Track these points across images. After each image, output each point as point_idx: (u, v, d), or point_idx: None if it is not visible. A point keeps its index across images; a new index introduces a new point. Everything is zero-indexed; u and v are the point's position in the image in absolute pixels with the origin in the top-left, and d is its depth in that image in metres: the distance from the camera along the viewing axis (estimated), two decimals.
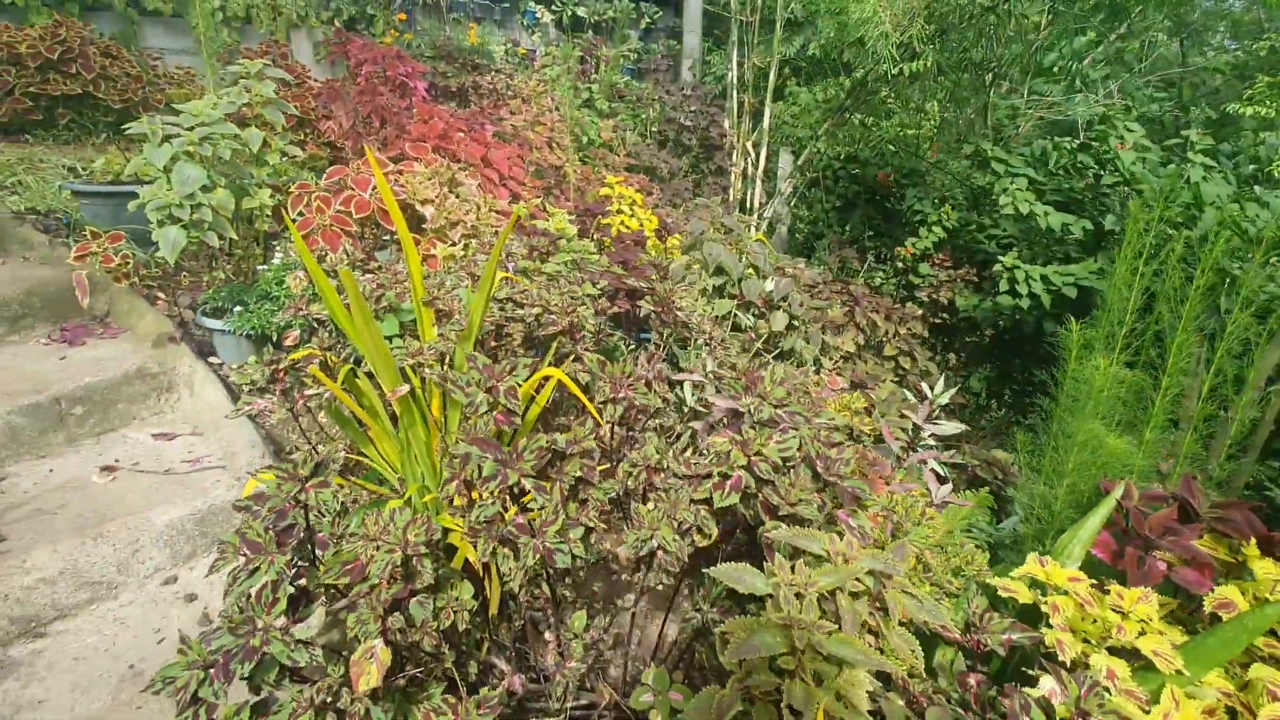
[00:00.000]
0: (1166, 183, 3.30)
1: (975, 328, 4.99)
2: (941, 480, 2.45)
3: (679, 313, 2.26)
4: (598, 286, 2.30)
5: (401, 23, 6.04)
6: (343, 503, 1.45)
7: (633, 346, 2.74)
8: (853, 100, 5.38)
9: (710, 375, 1.93)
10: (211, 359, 2.87)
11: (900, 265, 5.45)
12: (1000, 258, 3.99)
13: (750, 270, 3.25)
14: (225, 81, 3.09)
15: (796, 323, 3.02)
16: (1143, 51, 6.28)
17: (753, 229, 5.75)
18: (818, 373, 3.15)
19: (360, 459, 1.99)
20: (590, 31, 7.14)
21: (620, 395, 1.60)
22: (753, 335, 3.20)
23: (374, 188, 2.77)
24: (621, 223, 4.20)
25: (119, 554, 2.09)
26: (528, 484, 1.32)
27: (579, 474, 1.42)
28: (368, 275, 2.22)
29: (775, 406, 1.60)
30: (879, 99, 6.02)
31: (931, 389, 3.22)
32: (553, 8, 6.96)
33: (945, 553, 1.72)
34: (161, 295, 3.09)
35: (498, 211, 3.09)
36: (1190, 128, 4.55)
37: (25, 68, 4.55)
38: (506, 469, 1.33)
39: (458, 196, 3.00)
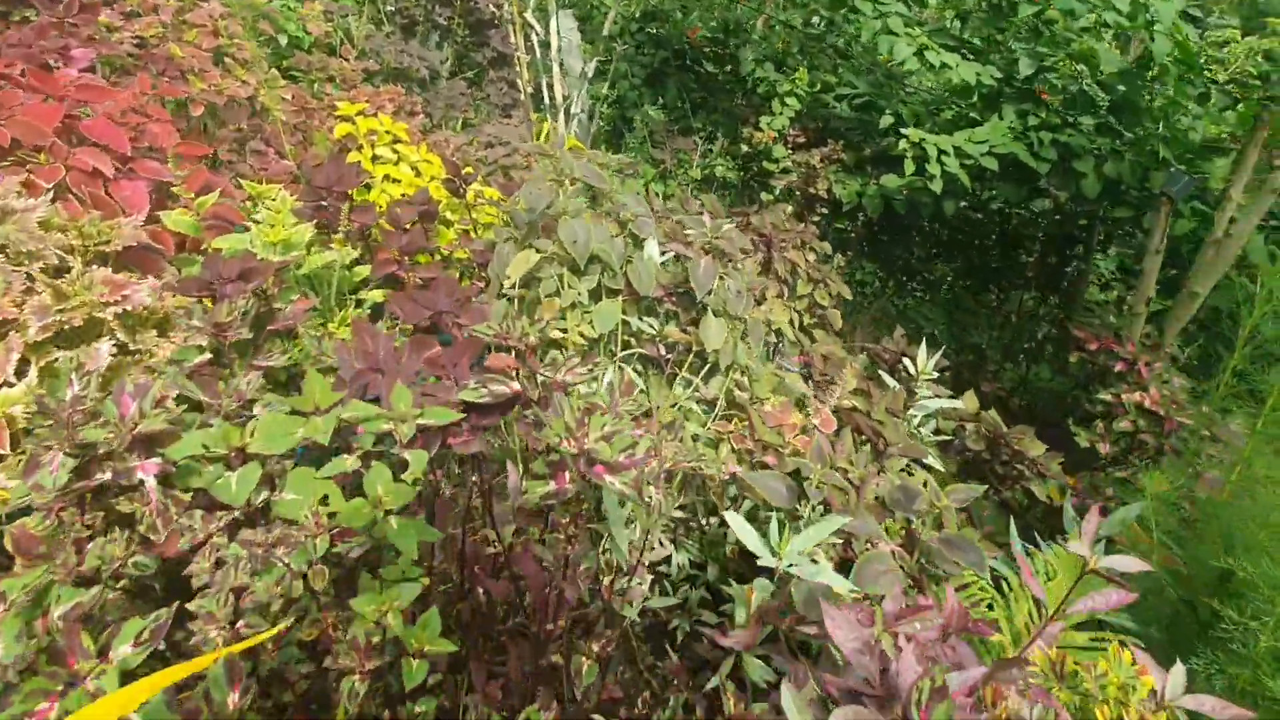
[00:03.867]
0: None
1: (845, 214, 4.09)
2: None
3: (609, 477, 0.94)
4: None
5: None
6: None
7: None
8: None
9: None
10: None
11: (746, 150, 4.33)
12: (903, 130, 3.00)
13: (627, 240, 1.92)
14: None
15: (738, 324, 1.81)
16: None
17: (562, 129, 4.23)
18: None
19: None
20: None
21: None
22: (661, 350, 1.94)
23: None
24: (385, 178, 2.55)
25: None
26: None
27: None
28: None
29: None
30: None
31: (914, 361, 2.25)
32: None
33: None
34: None
35: (109, 262, 1.40)
36: None
37: None
38: None
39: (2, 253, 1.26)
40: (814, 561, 1.42)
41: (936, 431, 2.45)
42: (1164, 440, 2.50)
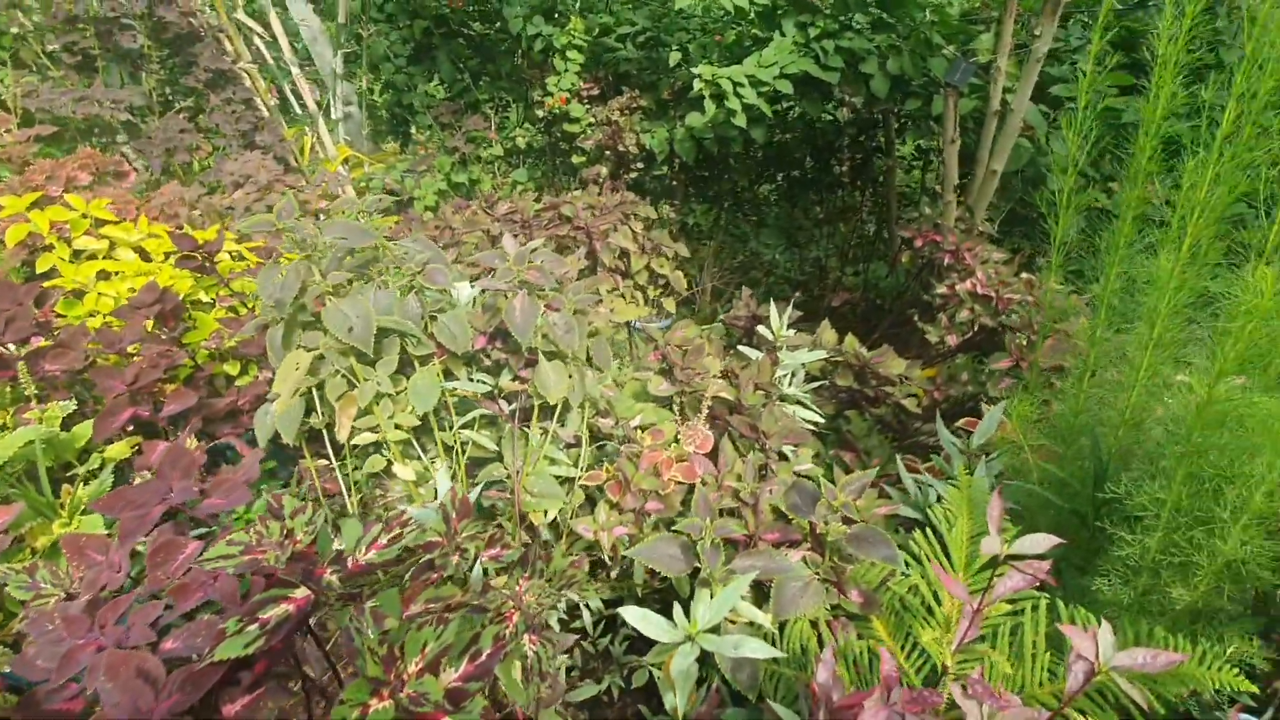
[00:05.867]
0: None
1: (661, 161, 3.87)
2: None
3: None
4: None
5: None
6: None
7: None
8: None
9: None
10: None
11: (543, 115, 3.95)
12: (695, 70, 2.78)
13: (421, 296, 1.58)
14: None
15: (584, 356, 1.55)
16: None
17: (326, 138, 3.65)
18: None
19: None
20: None
21: None
22: (500, 406, 1.66)
23: None
24: (100, 275, 1.99)
25: None
26: None
27: None
28: None
29: None
30: None
31: (769, 325, 2.12)
32: None
33: None
34: None
35: None
36: None
37: None
38: None
39: None
40: (732, 622, 1.26)
41: (808, 377, 2.38)
42: (999, 318, 2.59)
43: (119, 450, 1.44)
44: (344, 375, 1.39)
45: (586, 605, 1.71)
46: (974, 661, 1.28)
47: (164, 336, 1.75)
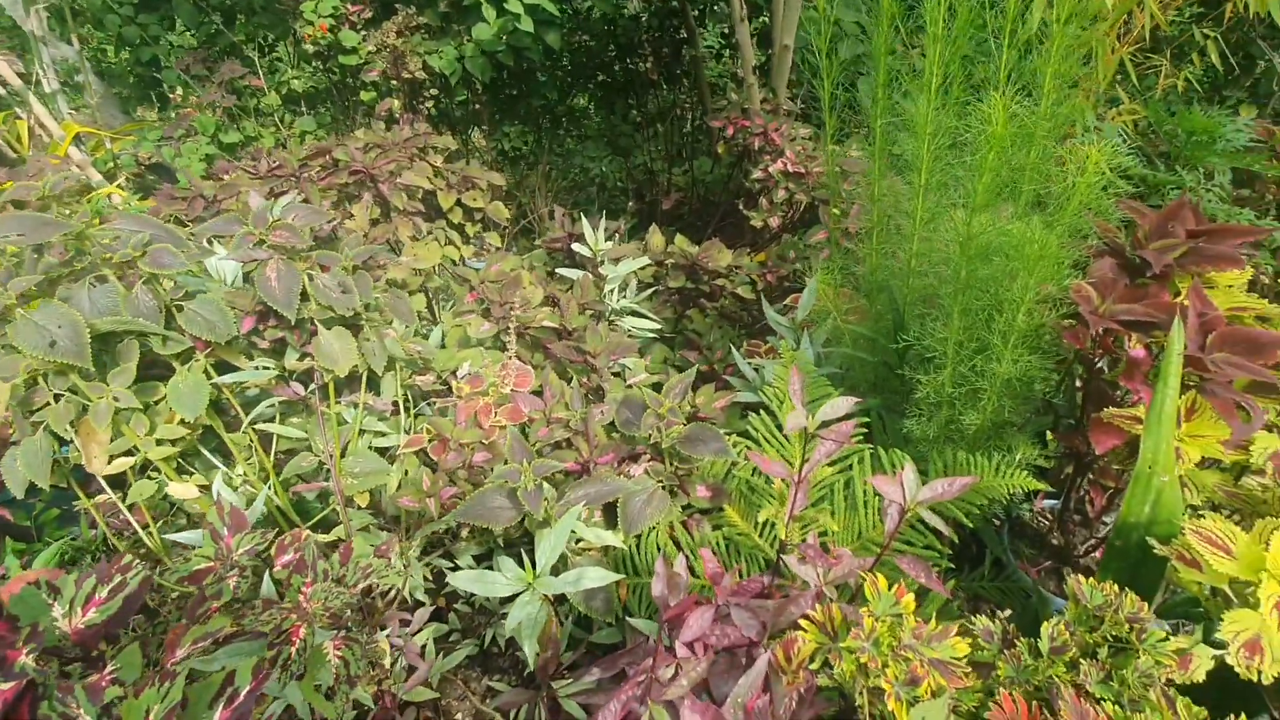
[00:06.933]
0: None
1: (459, 83, 3.51)
2: None
3: None
4: None
5: None
6: None
7: None
8: None
9: None
10: None
11: (315, 50, 3.41)
12: None
13: (153, 288, 1.31)
14: None
15: (373, 317, 1.36)
16: None
17: (45, 117, 3.00)
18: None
19: None
20: None
21: None
22: (297, 388, 1.46)
23: None
24: None
25: None
26: None
27: None
28: None
29: None
30: None
31: (585, 239, 2.00)
32: None
33: None
34: None
35: None
36: None
37: None
38: None
39: None
40: (583, 552, 1.21)
41: (644, 285, 2.31)
42: (812, 192, 2.64)
43: None
44: (67, 400, 1.13)
45: (456, 565, 1.62)
46: (814, 525, 1.32)
47: None
